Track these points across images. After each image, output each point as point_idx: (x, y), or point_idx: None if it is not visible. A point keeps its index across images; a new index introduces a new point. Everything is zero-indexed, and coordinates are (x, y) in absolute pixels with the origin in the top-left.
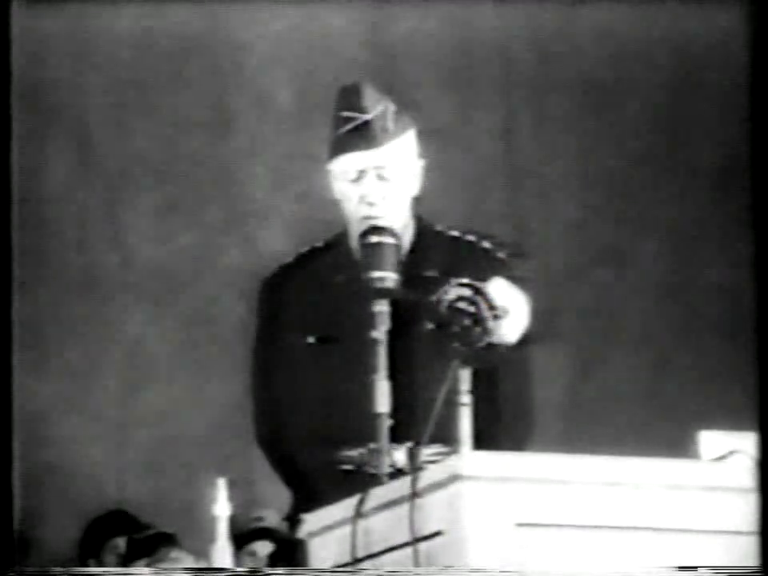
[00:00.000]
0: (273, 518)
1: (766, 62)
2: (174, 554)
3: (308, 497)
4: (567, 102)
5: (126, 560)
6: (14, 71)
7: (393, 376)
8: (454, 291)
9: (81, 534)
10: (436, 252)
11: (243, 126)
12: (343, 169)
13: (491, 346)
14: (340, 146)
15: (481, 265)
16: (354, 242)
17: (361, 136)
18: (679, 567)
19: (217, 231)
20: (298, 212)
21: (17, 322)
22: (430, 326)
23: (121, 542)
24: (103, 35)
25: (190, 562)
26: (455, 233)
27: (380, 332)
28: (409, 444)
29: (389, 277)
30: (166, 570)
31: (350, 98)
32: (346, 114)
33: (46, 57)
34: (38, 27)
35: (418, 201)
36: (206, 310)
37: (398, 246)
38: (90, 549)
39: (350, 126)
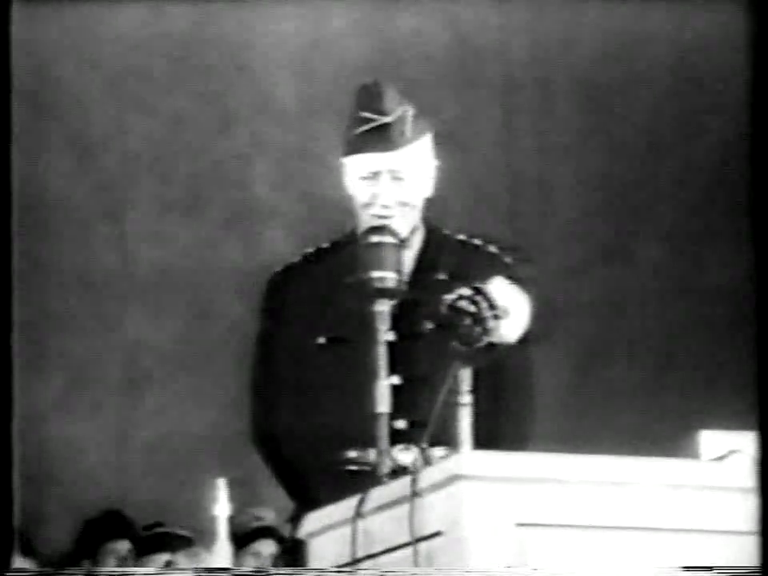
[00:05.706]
0: (271, 518)
1: (766, 61)
2: (193, 550)
3: (307, 498)
4: (567, 102)
5: (139, 555)
6: (14, 71)
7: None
8: (455, 291)
9: (76, 536)
10: (445, 255)
11: (244, 126)
12: (357, 167)
13: (491, 345)
14: (355, 145)
15: (488, 269)
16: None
17: (378, 137)
18: (679, 567)
19: (217, 231)
20: (300, 211)
21: (17, 321)
22: (430, 325)
23: (119, 544)
24: (103, 35)
25: (205, 557)
26: (462, 236)
27: (380, 332)
28: (406, 445)
29: (389, 276)
30: (170, 570)
31: (369, 98)
32: (364, 114)
33: (46, 57)
34: (37, 27)
35: (425, 203)
36: (206, 310)
37: (397, 246)
38: (86, 550)
39: (367, 127)
